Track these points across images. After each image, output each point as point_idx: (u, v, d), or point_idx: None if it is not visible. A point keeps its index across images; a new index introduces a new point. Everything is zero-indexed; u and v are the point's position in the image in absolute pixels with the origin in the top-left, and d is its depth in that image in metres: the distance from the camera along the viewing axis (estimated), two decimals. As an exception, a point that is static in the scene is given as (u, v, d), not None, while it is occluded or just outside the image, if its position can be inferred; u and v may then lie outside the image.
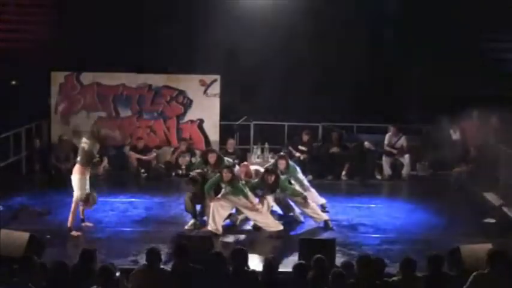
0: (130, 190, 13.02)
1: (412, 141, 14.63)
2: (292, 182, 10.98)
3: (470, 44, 15.53)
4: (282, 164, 10.96)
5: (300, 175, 11.42)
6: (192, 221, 10.49)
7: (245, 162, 11.66)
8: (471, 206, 11.92)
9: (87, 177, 10.09)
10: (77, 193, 9.97)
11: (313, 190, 11.47)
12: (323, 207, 11.38)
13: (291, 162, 11.31)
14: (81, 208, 10.22)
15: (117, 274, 6.88)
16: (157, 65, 15.27)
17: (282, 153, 11.93)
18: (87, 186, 10.07)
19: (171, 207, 11.84)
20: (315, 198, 11.36)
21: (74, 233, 9.88)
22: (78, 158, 10.09)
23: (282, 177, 10.60)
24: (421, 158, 14.61)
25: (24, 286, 6.24)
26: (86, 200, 10.06)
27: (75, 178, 10.01)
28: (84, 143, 10.13)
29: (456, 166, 13.79)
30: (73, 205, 9.96)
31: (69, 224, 9.92)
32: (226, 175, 10.19)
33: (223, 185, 10.33)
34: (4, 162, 13.30)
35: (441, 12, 15.37)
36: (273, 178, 10.32)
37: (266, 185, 10.37)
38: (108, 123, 15.09)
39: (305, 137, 14.52)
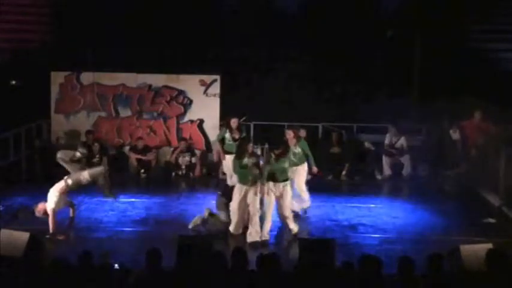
0: (130, 190, 13.02)
1: (412, 141, 14.63)
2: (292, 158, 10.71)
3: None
4: (289, 134, 10.82)
5: (309, 152, 11.20)
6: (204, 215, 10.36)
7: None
8: (471, 206, 11.91)
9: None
10: (51, 205, 9.94)
11: (305, 191, 11.28)
12: (304, 212, 11.23)
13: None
14: (71, 210, 10.38)
15: (116, 274, 6.87)
16: (158, 65, 15.29)
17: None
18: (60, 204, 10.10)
19: (171, 207, 11.85)
20: (301, 201, 11.20)
21: (59, 236, 9.85)
22: (69, 181, 10.02)
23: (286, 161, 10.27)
24: (421, 158, 14.61)
25: (27, 286, 6.25)
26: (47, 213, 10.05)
27: (56, 193, 9.98)
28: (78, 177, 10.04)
29: (456, 166, 13.78)
30: (51, 215, 9.92)
31: (51, 231, 9.86)
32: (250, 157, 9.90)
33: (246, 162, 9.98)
34: (4, 162, 13.30)
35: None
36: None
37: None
38: (108, 123, 15.11)
39: (302, 133, 14.50)
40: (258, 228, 9.83)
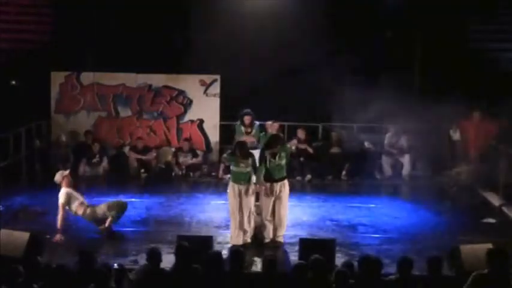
0: (130, 190, 13.02)
1: (412, 141, 14.62)
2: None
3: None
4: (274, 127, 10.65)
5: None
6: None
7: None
8: (471, 206, 11.92)
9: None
10: (62, 200, 9.92)
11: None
12: None
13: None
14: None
15: (114, 274, 6.86)
16: (158, 65, 15.26)
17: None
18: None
19: (171, 207, 11.86)
20: None
21: (56, 238, 9.69)
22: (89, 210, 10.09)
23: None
24: (421, 158, 14.60)
25: (27, 286, 6.25)
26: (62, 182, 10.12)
27: (77, 200, 10.08)
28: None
29: (456, 166, 13.79)
30: (60, 209, 9.90)
31: (59, 226, 9.79)
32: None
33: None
34: (4, 162, 13.30)
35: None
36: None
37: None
38: (108, 123, 15.11)
39: (301, 134, 14.49)
40: (252, 231, 9.78)
